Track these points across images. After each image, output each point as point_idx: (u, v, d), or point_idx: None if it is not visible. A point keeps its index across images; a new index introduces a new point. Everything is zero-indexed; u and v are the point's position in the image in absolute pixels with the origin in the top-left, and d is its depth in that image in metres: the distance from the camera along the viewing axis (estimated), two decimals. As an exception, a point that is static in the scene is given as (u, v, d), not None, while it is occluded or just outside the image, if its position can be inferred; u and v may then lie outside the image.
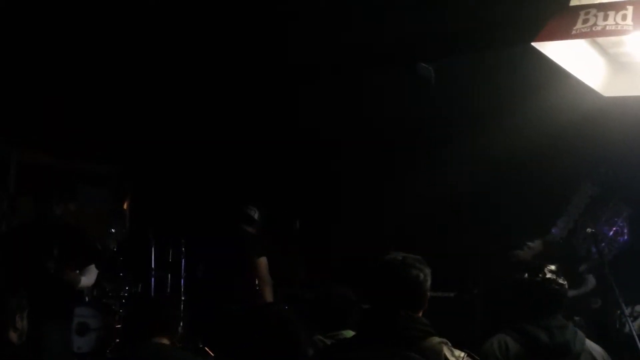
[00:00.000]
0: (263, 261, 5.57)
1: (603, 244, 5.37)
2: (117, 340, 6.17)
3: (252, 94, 6.32)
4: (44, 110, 6.35)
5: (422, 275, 2.53)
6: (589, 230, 4.74)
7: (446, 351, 2.44)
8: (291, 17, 4.75)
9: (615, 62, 3.30)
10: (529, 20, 3.17)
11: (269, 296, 5.57)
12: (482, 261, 5.22)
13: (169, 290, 6.98)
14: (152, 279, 6.99)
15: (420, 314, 2.55)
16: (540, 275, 3.05)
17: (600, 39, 3.06)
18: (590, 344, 3.07)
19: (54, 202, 4.83)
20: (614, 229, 5.61)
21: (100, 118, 6.69)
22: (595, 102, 3.74)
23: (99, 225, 7.23)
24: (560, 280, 3.06)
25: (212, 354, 5.98)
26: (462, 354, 2.47)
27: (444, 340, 2.48)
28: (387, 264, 2.58)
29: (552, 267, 3.08)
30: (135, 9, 4.65)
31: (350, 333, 3.22)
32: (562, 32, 2.81)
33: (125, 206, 7.26)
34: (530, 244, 4.99)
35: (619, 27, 2.71)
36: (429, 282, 2.55)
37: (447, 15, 4.57)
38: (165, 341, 3.18)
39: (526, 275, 3.09)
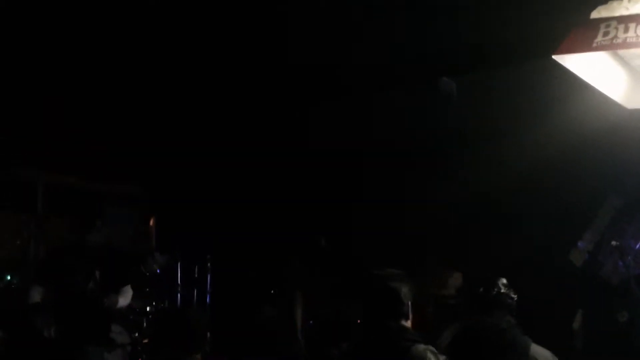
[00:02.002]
0: (301, 295, 5.71)
1: (629, 257, 5.33)
2: (144, 356, 6.23)
3: (273, 110, 6.39)
4: (70, 131, 6.47)
5: (398, 286, 2.70)
6: (614, 243, 4.72)
7: (431, 356, 2.60)
8: (311, 32, 4.82)
9: (637, 73, 3.31)
10: (549, 33, 3.20)
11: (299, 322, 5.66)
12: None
13: (195, 306, 7.04)
14: (179, 295, 7.07)
15: (409, 323, 2.70)
16: (496, 289, 3.18)
17: (621, 51, 3.08)
18: (536, 349, 3.15)
19: (90, 227, 4.94)
20: (641, 242, 5.57)
21: (127, 138, 6.79)
22: (618, 114, 3.75)
23: (125, 245, 7.34)
24: (512, 294, 3.26)
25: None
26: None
27: (429, 347, 2.65)
28: (368, 279, 2.79)
29: (505, 281, 3.23)
30: (159, 30, 4.75)
31: None
32: (583, 45, 2.84)
33: (151, 223, 7.35)
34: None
35: (640, 39, 2.74)
36: (406, 293, 2.71)
37: (467, 30, 4.60)
38: (194, 357, 3.22)
39: (482, 289, 3.22)
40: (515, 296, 3.26)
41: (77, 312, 4.53)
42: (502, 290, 3.22)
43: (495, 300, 3.20)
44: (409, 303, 2.70)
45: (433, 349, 2.63)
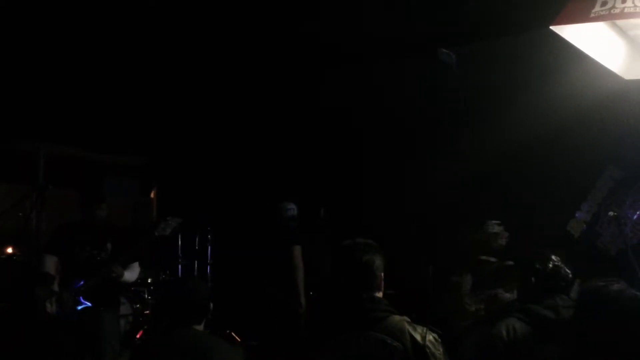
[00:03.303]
0: (297, 249, 5.82)
1: (627, 228, 5.36)
2: (146, 326, 6.30)
3: (276, 81, 6.38)
4: (71, 103, 6.46)
5: (371, 258, 2.66)
6: (611, 213, 4.73)
7: (408, 327, 2.55)
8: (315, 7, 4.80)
9: (635, 44, 3.30)
10: (547, 3, 3.18)
11: (300, 282, 5.76)
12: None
13: (196, 277, 7.10)
14: (180, 267, 7.13)
15: (381, 295, 2.66)
16: (551, 264, 3.16)
17: (619, 21, 3.07)
18: None
19: (99, 204, 5.09)
20: (639, 212, 5.59)
21: (128, 110, 6.79)
22: (616, 85, 3.74)
23: (126, 216, 7.37)
24: (567, 269, 3.18)
25: (239, 340, 6.10)
26: (424, 329, 2.57)
27: (405, 317, 2.60)
28: (340, 250, 2.73)
29: (557, 257, 3.20)
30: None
31: None
32: (581, 15, 2.83)
33: (152, 195, 7.37)
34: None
35: (638, 10, 2.72)
36: (379, 264, 2.67)
37: (467, 1, 4.57)
38: (196, 327, 3.24)
39: (538, 265, 3.19)
40: (570, 272, 3.18)
41: (94, 281, 4.82)
42: (557, 264, 3.16)
43: (554, 274, 3.14)
44: (382, 275, 2.66)
45: (409, 319, 2.59)
